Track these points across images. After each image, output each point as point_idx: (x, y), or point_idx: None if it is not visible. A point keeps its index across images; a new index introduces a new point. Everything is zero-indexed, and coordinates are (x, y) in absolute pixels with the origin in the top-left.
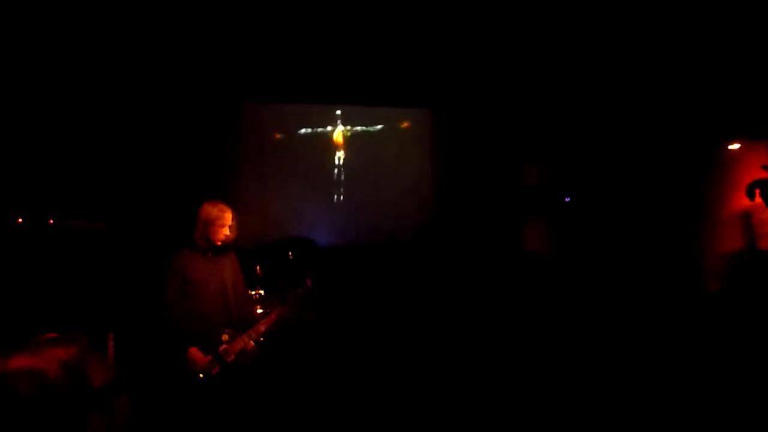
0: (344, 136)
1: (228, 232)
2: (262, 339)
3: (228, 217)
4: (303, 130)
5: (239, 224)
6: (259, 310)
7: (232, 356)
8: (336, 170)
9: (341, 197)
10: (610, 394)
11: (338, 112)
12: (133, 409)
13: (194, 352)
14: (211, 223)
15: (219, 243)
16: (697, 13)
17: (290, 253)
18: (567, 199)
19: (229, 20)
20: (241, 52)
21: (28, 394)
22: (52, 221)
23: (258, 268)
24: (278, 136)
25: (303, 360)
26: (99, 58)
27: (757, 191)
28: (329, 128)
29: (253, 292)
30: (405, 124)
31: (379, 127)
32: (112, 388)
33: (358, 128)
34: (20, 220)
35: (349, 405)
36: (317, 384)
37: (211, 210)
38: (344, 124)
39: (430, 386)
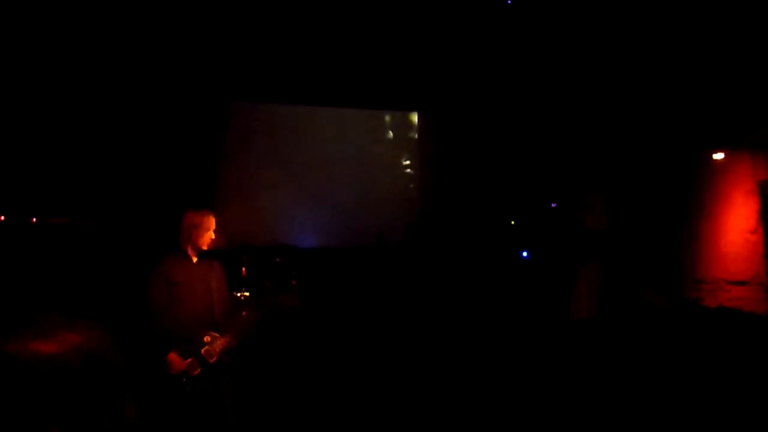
0: (332, 139)
1: (213, 236)
2: (242, 341)
3: (212, 221)
4: (292, 132)
5: (227, 225)
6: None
7: (215, 357)
8: (324, 172)
9: (328, 200)
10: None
11: (327, 114)
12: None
13: (173, 357)
14: (197, 229)
15: (206, 248)
16: (681, 22)
17: (277, 259)
18: (553, 205)
19: (219, 21)
20: (231, 52)
21: (48, 380)
22: (35, 219)
23: (243, 269)
24: (266, 137)
25: (287, 360)
26: (88, 58)
27: None
28: (318, 130)
29: (239, 294)
30: (393, 128)
31: (368, 129)
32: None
33: (347, 130)
34: (2, 217)
35: (334, 404)
36: (301, 384)
37: (195, 216)
38: (333, 127)
39: (415, 387)
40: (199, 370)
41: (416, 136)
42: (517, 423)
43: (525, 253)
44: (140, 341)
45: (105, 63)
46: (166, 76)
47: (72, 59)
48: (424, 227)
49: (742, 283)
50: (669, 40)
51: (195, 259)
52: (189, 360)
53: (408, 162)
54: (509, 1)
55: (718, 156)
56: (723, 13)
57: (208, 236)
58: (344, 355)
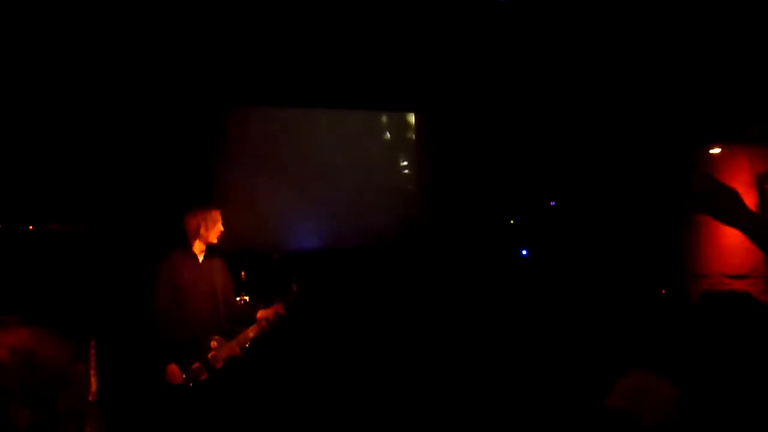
0: (329, 140)
1: (222, 229)
2: (248, 345)
3: (219, 215)
4: (288, 134)
5: (225, 229)
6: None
7: (221, 363)
8: (321, 174)
9: (327, 201)
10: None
11: (324, 116)
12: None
13: (173, 369)
14: (206, 223)
15: (215, 242)
16: (678, 17)
17: (275, 255)
18: (552, 204)
19: (214, 24)
20: (227, 56)
21: None
22: (31, 227)
23: (243, 273)
24: (264, 139)
25: (290, 364)
26: (83, 60)
27: None
28: (315, 132)
29: (238, 298)
30: (390, 129)
31: (365, 130)
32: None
33: (344, 131)
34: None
35: (336, 406)
36: (305, 387)
37: (204, 211)
38: (330, 128)
39: (416, 389)
40: (206, 375)
41: (413, 136)
42: (520, 424)
43: (525, 252)
44: (140, 344)
45: (99, 67)
46: (161, 79)
47: (66, 64)
48: (423, 226)
49: (741, 277)
50: (665, 37)
51: (201, 258)
52: (196, 365)
53: (406, 162)
54: None
55: (715, 151)
56: (718, 10)
57: (218, 229)
58: (347, 358)
